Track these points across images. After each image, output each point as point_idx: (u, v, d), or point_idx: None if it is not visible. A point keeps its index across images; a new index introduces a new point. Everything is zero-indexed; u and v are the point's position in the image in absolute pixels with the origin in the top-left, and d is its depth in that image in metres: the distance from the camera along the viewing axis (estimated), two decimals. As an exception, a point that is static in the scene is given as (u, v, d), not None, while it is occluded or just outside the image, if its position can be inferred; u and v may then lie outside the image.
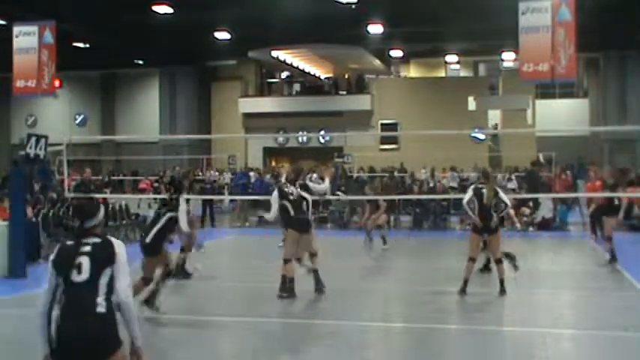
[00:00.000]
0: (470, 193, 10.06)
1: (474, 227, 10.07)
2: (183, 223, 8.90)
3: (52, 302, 4.03)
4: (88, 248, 4.07)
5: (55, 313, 3.96)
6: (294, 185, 10.07)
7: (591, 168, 18.66)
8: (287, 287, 9.66)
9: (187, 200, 11.67)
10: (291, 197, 9.92)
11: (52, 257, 4.17)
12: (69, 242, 4.19)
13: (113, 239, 4.20)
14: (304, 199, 9.94)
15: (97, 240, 4.13)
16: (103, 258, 4.05)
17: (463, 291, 9.79)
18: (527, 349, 7.29)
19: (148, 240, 8.74)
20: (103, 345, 3.92)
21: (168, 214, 8.85)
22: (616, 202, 12.97)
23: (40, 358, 4.03)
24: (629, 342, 7.62)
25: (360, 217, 20.60)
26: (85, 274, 3.98)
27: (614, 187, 13.26)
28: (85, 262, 4.01)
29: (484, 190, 9.90)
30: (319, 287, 9.92)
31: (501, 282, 9.75)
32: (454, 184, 23.86)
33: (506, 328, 8.41)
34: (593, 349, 7.48)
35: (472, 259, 9.86)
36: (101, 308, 3.93)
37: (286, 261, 9.72)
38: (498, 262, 9.85)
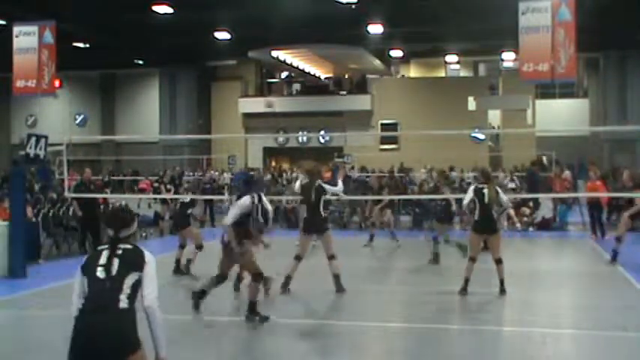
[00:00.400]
0: (470, 194, 10.07)
1: (474, 227, 10.08)
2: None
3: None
4: (119, 252, 4.14)
5: (79, 307, 3.99)
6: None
7: (591, 168, 18.66)
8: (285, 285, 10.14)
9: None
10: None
11: (81, 263, 4.19)
12: (100, 248, 4.24)
13: (146, 251, 4.23)
14: (320, 200, 10.09)
15: (129, 246, 4.20)
16: (132, 262, 4.11)
17: (464, 290, 9.79)
18: (527, 349, 7.29)
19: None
20: (122, 341, 3.91)
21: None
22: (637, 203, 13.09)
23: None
24: (629, 342, 7.62)
25: (360, 217, 20.63)
26: (111, 272, 4.03)
27: (635, 189, 13.37)
28: (114, 262, 4.07)
29: (485, 190, 9.90)
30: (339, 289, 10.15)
31: (501, 282, 9.75)
32: (455, 185, 23.81)
33: (506, 328, 8.41)
34: (593, 349, 7.48)
35: (472, 259, 9.86)
36: (123, 304, 3.95)
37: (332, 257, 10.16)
38: (498, 262, 9.85)
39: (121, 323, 3.93)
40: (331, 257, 10.18)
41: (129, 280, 4.03)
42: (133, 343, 3.93)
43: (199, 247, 11.86)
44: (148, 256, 4.18)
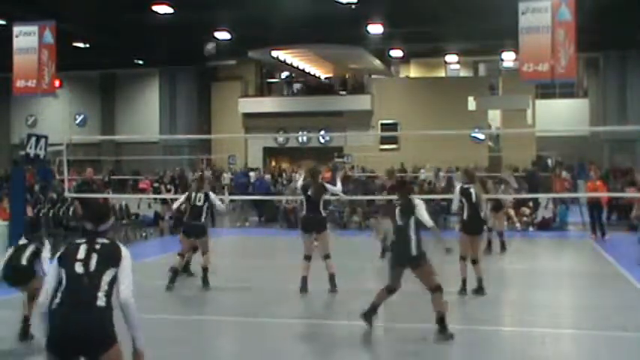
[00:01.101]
0: (457, 196, 10.07)
1: (462, 227, 10.12)
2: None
3: (55, 294, 4.11)
4: (96, 246, 4.23)
5: (56, 301, 4.06)
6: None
7: (591, 167, 18.68)
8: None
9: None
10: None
11: (58, 254, 4.27)
12: (78, 241, 4.32)
13: (121, 245, 4.34)
14: (320, 199, 10.23)
15: (106, 241, 4.30)
16: (109, 258, 4.20)
17: (463, 290, 9.80)
18: (527, 349, 7.29)
19: None
20: (100, 337, 4.02)
21: None
22: None
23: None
24: (629, 342, 7.62)
25: (360, 217, 20.64)
26: (89, 268, 4.12)
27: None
28: (92, 257, 4.16)
29: (472, 190, 9.94)
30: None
31: (479, 280, 9.79)
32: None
33: (506, 328, 8.41)
34: (593, 349, 7.48)
35: (463, 258, 9.91)
36: (101, 302, 4.06)
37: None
38: (475, 262, 9.88)
39: (98, 321, 4.02)
40: (326, 257, 10.27)
41: (106, 277, 4.12)
42: (110, 338, 4.05)
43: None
44: (124, 251, 4.27)
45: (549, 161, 28.77)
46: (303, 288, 10.08)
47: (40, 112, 37.46)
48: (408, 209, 7.67)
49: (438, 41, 31.00)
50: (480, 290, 9.78)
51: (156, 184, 21.16)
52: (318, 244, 10.41)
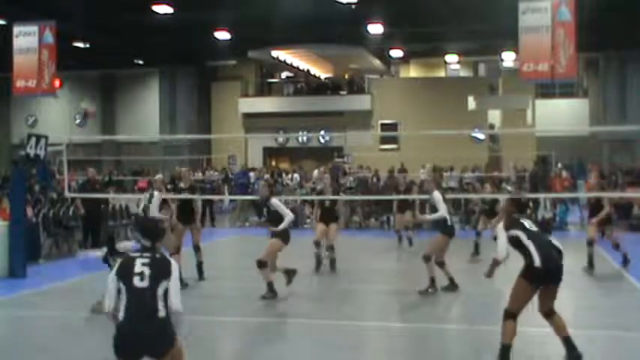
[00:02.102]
0: (440, 197, 10.21)
1: (444, 230, 10.19)
2: None
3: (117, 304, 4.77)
4: (149, 261, 4.81)
5: (120, 314, 4.71)
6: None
7: (592, 168, 18.70)
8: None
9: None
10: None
11: (116, 268, 4.88)
12: (133, 255, 4.91)
13: (171, 259, 4.98)
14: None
15: (157, 256, 4.89)
16: (162, 271, 4.79)
17: (433, 288, 10.09)
18: (527, 349, 7.29)
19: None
20: (164, 341, 4.71)
21: None
22: None
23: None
24: (629, 342, 7.62)
25: (360, 217, 20.64)
26: (145, 282, 4.71)
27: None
28: (147, 272, 4.74)
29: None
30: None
31: (432, 280, 9.99)
32: (454, 185, 23.84)
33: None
34: (593, 349, 7.48)
35: (430, 259, 10.14)
36: (162, 313, 4.70)
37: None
38: (428, 259, 10.11)
39: (161, 328, 4.69)
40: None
41: (161, 289, 4.71)
42: (172, 340, 4.76)
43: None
44: (173, 265, 4.87)
45: (559, 166, 28.66)
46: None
47: (40, 112, 37.44)
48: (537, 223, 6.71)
49: (438, 41, 30.98)
50: (453, 287, 10.08)
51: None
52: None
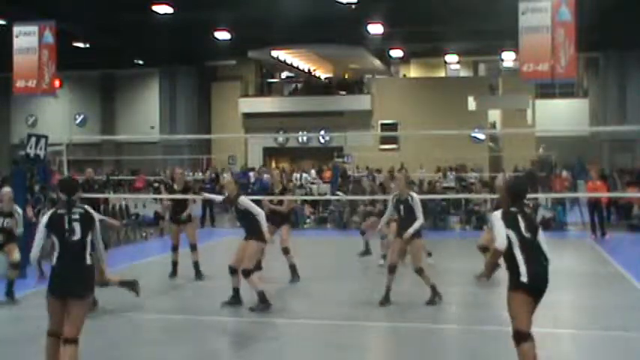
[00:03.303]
0: (418, 199, 9.56)
1: (420, 233, 9.57)
2: None
3: (44, 251, 6.01)
4: (76, 216, 5.79)
5: (54, 262, 5.82)
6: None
7: (592, 168, 18.70)
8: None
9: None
10: None
11: (44, 221, 5.89)
12: (60, 211, 5.84)
13: (91, 210, 5.97)
14: None
15: (81, 210, 5.86)
16: (88, 224, 5.83)
17: (438, 296, 9.50)
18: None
19: None
20: (86, 286, 5.83)
21: None
22: None
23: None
24: (629, 342, 7.62)
25: (360, 217, 20.62)
26: (77, 236, 5.75)
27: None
28: (76, 226, 5.76)
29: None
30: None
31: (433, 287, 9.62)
32: (452, 184, 23.84)
33: (506, 328, 8.38)
34: (593, 349, 7.48)
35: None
36: (88, 261, 5.79)
37: None
38: (421, 271, 9.58)
39: (87, 273, 5.83)
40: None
41: (88, 239, 5.80)
42: (91, 287, 5.95)
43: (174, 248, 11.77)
44: (95, 215, 5.96)
45: (564, 173, 28.62)
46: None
47: (40, 112, 37.45)
48: (532, 223, 5.84)
49: (438, 41, 30.99)
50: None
51: (156, 184, 21.17)
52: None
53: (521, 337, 5.60)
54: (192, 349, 7.43)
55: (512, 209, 5.79)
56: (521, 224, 5.72)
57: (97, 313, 8.51)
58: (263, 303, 8.93)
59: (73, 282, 5.69)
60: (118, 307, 9.05)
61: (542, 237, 5.76)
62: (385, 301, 9.32)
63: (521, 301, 5.69)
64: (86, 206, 6.00)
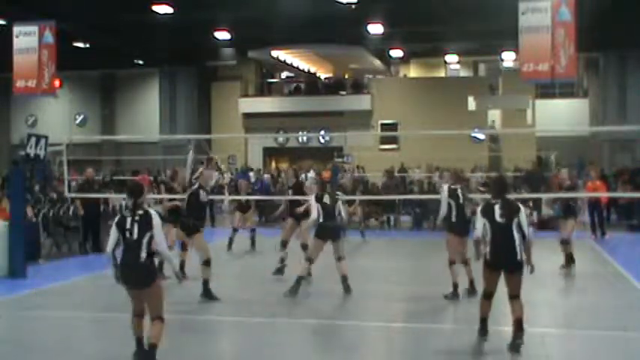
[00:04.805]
0: (445, 197, 9.89)
1: (450, 229, 9.97)
2: None
3: (115, 248, 6.47)
4: (137, 218, 6.40)
5: (120, 256, 6.42)
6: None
7: (591, 168, 18.68)
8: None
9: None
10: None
11: (115, 220, 6.56)
12: (125, 213, 6.55)
13: (152, 211, 6.55)
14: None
15: (142, 212, 6.44)
16: (146, 224, 6.38)
17: (455, 295, 9.76)
18: (527, 349, 7.29)
19: None
20: (146, 277, 6.43)
21: None
22: None
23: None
24: (629, 342, 7.63)
25: (360, 217, 20.61)
26: (134, 236, 6.35)
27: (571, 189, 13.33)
28: (135, 227, 6.37)
29: (459, 191, 9.88)
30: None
31: (471, 282, 9.80)
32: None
33: (506, 328, 8.39)
34: (593, 349, 7.48)
35: (453, 262, 9.83)
36: (143, 257, 6.35)
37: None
38: (467, 263, 9.83)
39: (145, 269, 6.40)
40: (339, 259, 10.21)
41: (145, 239, 6.34)
42: (154, 276, 6.51)
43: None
44: (154, 216, 6.45)
45: (566, 177, 28.56)
46: (294, 290, 9.89)
47: (40, 112, 37.42)
48: (511, 210, 7.19)
49: (438, 41, 30.99)
50: (472, 291, 9.73)
51: (155, 184, 21.15)
52: (333, 246, 10.25)
53: (485, 295, 7.50)
54: (192, 349, 7.43)
55: (492, 201, 7.35)
56: (497, 212, 7.19)
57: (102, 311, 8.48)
58: (348, 287, 9.97)
59: (134, 275, 6.38)
60: (119, 308, 9.05)
61: (521, 221, 7.10)
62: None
63: (486, 273, 7.33)
64: (149, 208, 6.61)
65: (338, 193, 11.08)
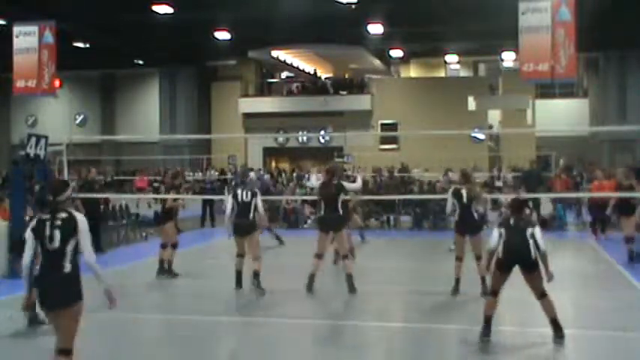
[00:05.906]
0: (450, 197, 10.13)
1: (456, 228, 10.16)
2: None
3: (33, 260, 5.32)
4: (58, 222, 5.25)
5: (36, 270, 5.32)
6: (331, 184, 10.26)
7: (591, 168, 18.62)
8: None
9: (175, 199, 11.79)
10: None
11: (31, 226, 5.34)
12: (44, 216, 5.31)
13: (78, 215, 5.37)
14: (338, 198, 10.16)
15: (64, 215, 5.29)
16: (71, 229, 5.25)
17: (456, 291, 9.88)
18: (527, 349, 7.29)
19: None
20: (66, 296, 5.25)
21: None
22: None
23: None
24: (629, 342, 7.62)
25: (360, 217, 20.62)
26: (55, 244, 5.22)
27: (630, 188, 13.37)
28: (55, 233, 5.22)
29: (463, 191, 9.98)
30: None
31: (482, 280, 9.76)
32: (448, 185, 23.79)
33: (506, 328, 8.39)
34: (593, 349, 7.48)
35: (459, 258, 9.97)
36: (67, 269, 5.22)
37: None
38: (478, 259, 9.85)
39: (67, 283, 5.25)
40: (344, 257, 10.29)
41: (69, 247, 5.24)
42: (77, 296, 5.30)
43: (174, 246, 11.77)
44: (80, 220, 5.31)
45: (562, 162, 28.56)
46: (310, 286, 10.02)
47: (40, 112, 37.45)
48: (527, 223, 7.50)
49: (438, 41, 31.00)
50: (484, 290, 9.76)
51: (156, 184, 21.15)
52: (335, 243, 10.44)
53: (491, 292, 7.62)
54: (191, 349, 7.43)
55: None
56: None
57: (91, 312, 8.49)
58: (352, 286, 10.00)
59: (53, 292, 5.22)
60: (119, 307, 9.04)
61: (535, 233, 7.27)
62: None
63: (497, 273, 7.45)
64: (72, 210, 5.44)
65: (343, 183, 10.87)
